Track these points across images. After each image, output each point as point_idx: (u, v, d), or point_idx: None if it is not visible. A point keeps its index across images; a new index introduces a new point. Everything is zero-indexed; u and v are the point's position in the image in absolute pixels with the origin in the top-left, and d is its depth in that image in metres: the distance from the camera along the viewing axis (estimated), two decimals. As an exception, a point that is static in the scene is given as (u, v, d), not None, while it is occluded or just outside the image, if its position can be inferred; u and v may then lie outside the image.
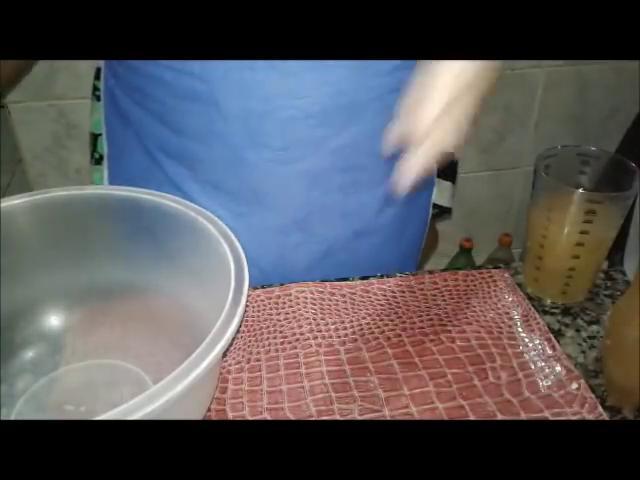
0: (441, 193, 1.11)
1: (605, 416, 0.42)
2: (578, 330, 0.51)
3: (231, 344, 0.34)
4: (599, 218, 0.48)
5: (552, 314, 0.53)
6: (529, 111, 1.30)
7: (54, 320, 0.47)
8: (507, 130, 1.32)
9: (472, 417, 0.42)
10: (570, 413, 0.42)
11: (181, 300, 0.44)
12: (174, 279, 0.44)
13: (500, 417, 0.42)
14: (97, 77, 0.64)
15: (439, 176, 0.66)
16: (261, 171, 0.54)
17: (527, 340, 0.48)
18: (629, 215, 0.51)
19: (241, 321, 0.34)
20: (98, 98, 0.63)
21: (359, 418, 0.42)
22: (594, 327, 0.51)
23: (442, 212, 1.13)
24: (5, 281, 0.44)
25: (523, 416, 0.42)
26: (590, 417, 0.42)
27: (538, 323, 0.50)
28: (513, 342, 0.48)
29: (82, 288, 0.47)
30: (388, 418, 0.42)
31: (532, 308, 0.52)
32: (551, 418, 0.42)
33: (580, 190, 0.48)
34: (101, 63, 0.62)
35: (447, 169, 0.65)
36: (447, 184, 1.11)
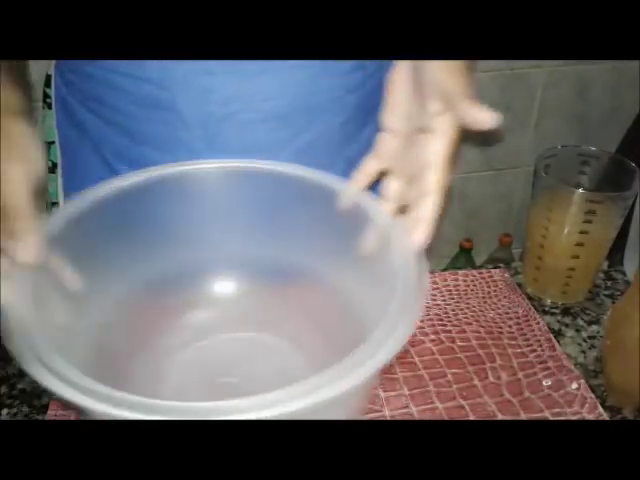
0: None
1: (605, 416, 0.42)
2: (578, 330, 0.51)
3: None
4: (599, 218, 0.48)
5: (552, 314, 0.53)
6: (529, 111, 1.30)
7: (222, 287, 0.47)
8: (507, 130, 1.32)
9: (472, 417, 0.42)
10: (570, 413, 0.42)
11: (347, 293, 0.43)
12: (346, 272, 0.43)
13: (500, 417, 0.42)
14: (47, 84, 0.63)
15: None
16: None
17: (527, 340, 0.48)
18: (629, 215, 0.51)
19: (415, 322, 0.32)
20: (49, 106, 0.63)
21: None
22: (594, 327, 0.51)
23: None
24: (188, 239, 0.44)
25: (523, 416, 0.42)
26: (590, 417, 0.42)
27: (538, 323, 0.50)
28: (513, 342, 0.48)
29: (256, 262, 0.46)
30: (388, 418, 0.42)
31: (532, 308, 0.52)
32: (551, 418, 0.42)
33: (580, 190, 0.48)
34: (51, 70, 0.61)
35: None
36: None
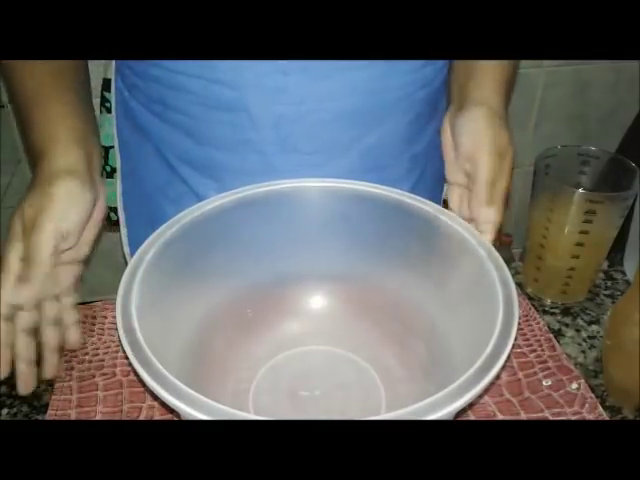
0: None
1: (605, 416, 0.42)
2: (578, 330, 0.51)
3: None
4: (599, 218, 0.48)
5: (552, 314, 0.53)
6: (529, 111, 1.30)
7: (311, 302, 0.49)
8: (507, 130, 1.31)
9: (472, 417, 0.42)
10: (570, 413, 0.42)
11: (431, 315, 0.44)
12: (433, 294, 0.44)
13: (500, 417, 0.42)
14: (106, 88, 0.63)
15: None
16: (288, 177, 0.54)
17: (527, 340, 0.48)
18: (629, 215, 0.51)
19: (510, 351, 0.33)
20: (108, 110, 0.63)
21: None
22: (594, 327, 0.51)
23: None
24: (285, 253, 0.47)
25: (523, 416, 0.42)
26: (590, 417, 0.42)
27: (538, 323, 0.50)
28: (513, 342, 0.48)
29: (343, 277, 0.48)
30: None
31: (532, 308, 0.52)
32: (551, 418, 0.42)
33: (580, 190, 0.48)
34: (111, 74, 0.61)
35: None
36: None
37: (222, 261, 0.44)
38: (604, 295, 0.55)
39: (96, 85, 0.62)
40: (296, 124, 0.51)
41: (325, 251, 0.47)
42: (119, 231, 0.66)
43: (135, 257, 0.39)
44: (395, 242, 0.46)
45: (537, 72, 1.24)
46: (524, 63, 1.22)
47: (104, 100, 0.63)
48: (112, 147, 0.63)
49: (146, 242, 0.40)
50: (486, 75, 0.51)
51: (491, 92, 0.50)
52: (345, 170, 0.54)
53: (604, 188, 0.50)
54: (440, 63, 0.56)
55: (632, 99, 1.27)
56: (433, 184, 0.62)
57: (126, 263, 0.69)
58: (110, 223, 0.67)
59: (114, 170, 0.64)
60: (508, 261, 0.41)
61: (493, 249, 0.40)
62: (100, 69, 0.63)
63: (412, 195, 0.46)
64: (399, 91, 0.53)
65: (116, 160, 0.63)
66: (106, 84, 0.62)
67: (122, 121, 0.61)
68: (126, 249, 0.66)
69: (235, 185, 0.56)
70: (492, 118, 0.48)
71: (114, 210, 0.66)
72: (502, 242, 1.31)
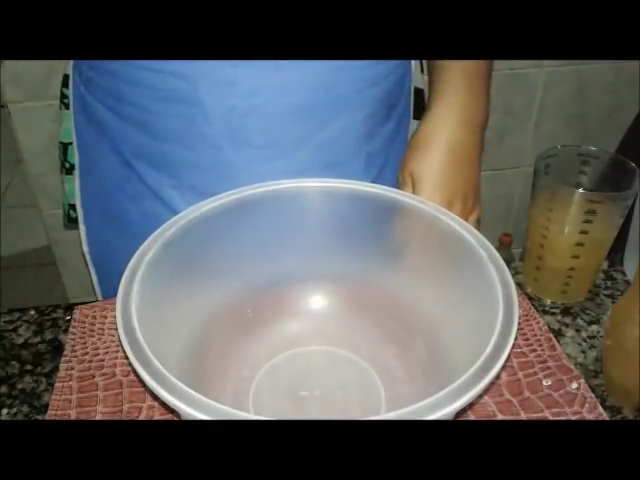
0: None
1: (605, 416, 0.42)
2: (578, 330, 0.51)
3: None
4: (599, 218, 0.48)
5: (552, 314, 0.53)
6: (529, 111, 1.30)
7: (310, 301, 0.49)
8: (507, 130, 1.32)
9: (472, 417, 0.42)
10: (570, 413, 0.42)
11: (430, 315, 0.44)
12: (432, 293, 0.44)
13: (500, 417, 0.42)
14: (65, 84, 0.62)
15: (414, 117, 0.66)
16: (244, 171, 0.54)
17: (527, 340, 0.48)
18: (629, 215, 0.51)
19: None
20: (67, 106, 0.62)
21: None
22: (594, 327, 0.51)
23: None
24: (285, 253, 0.47)
25: (523, 416, 0.42)
26: (590, 417, 0.42)
27: (538, 323, 0.50)
28: (513, 342, 0.48)
29: (343, 277, 0.48)
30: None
31: (532, 308, 0.52)
32: (551, 418, 0.42)
33: (580, 190, 0.48)
34: (69, 70, 0.60)
35: (417, 107, 0.63)
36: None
37: (222, 261, 0.44)
38: (604, 295, 0.55)
39: (57, 83, 0.61)
40: (248, 117, 0.51)
41: (325, 251, 0.47)
42: (78, 228, 0.65)
43: (135, 257, 0.39)
44: (395, 242, 0.46)
45: (537, 72, 1.24)
46: (524, 63, 1.22)
47: (63, 96, 0.63)
48: (71, 143, 0.63)
49: (146, 242, 0.40)
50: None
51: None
52: (301, 166, 0.54)
53: (604, 188, 0.50)
54: (393, 63, 0.56)
55: (632, 99, 1.27)
56: (393, 182, 0.62)
57: (86, 263, 0.68)
58: (70, 221, 0.66)
59: (73, 167, 0.63)
60: (508, 261, 0.41)
61: (493, 249, 0.40)
62: (61, 65, 0.62)
63: (412, 195, 0.46)
64: (350, 87, 0.53)
65: (74, 157, 0.63)
66: (65, 80, 0.62)
67: (79, 117, 0.60)
68: (85, 247, 0.65)
69: (189, 180, 0.55)
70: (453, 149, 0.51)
71: (73, 207, 0.65)
72: (502, 242, 1.31)
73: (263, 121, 0.51)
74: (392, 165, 0.61)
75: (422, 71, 0.67)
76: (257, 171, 0.53)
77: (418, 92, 0.65)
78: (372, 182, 0.59)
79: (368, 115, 0.56)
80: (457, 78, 0.53)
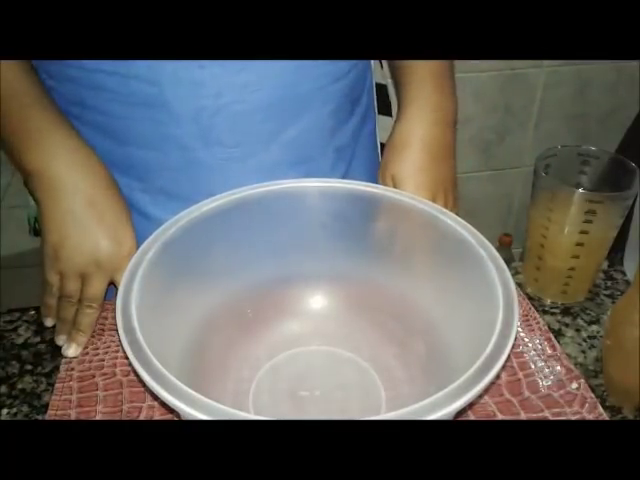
0: (385, 132, 1.06)
1: (605, 416, 0.42)
2: (578, 330, 0.51)
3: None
4: (599, 218, 0.48)
5: (552, 314, 0.53)
6: (529, 111, 1.30)
7: (310, 302, 0.49)
8: (507, 130, 1.32)
9: (472, 417, 0.42)
10: (570, 413, 0.42)
11: (430, 315, 0.44)
12: (433, 293, 0.44)
13: (500, 417, 0.42)
14: None
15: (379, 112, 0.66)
16: (215, 171, 0.54)
17: (527, 340, 0.48)
18: (629, 215, 0.51)
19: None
20: None
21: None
22: (594, 327, 0.51)
23: None
24: (285, 253, 0.47)
25: (523, 416, 0.42)
26: (590, 417, 0.42)
27: (538, 323, 0.50)
28: (513, 342, 0.48)
29: (343, 277, 0.48)
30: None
31: (532, 308, 0.52)
32: (551, 418, 0.42)
33: (580, 190, 0.48)
34: None
35: (380, 102, 0.64)
36: (387, 119, 1.06)
37: (222, 261, 0.44)
38: (604, 295, 0.55)
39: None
40: (216, 117, 0.51)
41: (325, 251, 0.47)
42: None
43: (135, 257, 0.39)
44: (395, 242, 0.46)
45: (537, 72, 1.24)
46: (524, 63, 1.22)
47: None
48: None
49: (146, 242, 0.40)
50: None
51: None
52: (270, 163, 0.55)
53: (604, 188, 0.50)
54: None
55: (632, 99, 1.27)
56: (363, 177, 0.62)
57: None
58: (36, 234, 0.65)
59: None
60: (508, 261, 0.41)
61: (493, 249, 0.40)
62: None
63: (411, 195, 0.46)
64: (314, 83, 0.54)
65: None
66: None
67: None
68: None
69: (159, 183, 0.55)
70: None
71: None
72: (502, 242, 1.31)
73: (232, 120, 0.52)
74: (360, 159, 0.62)
75: (382, 67, 0.69)
76: (228, 170, 0.54)
77: (380, 87, 0.66)
78: (342, 177, 0.60)
79: (333, 110, 0.57)
80: (425, 79, 0.55)
